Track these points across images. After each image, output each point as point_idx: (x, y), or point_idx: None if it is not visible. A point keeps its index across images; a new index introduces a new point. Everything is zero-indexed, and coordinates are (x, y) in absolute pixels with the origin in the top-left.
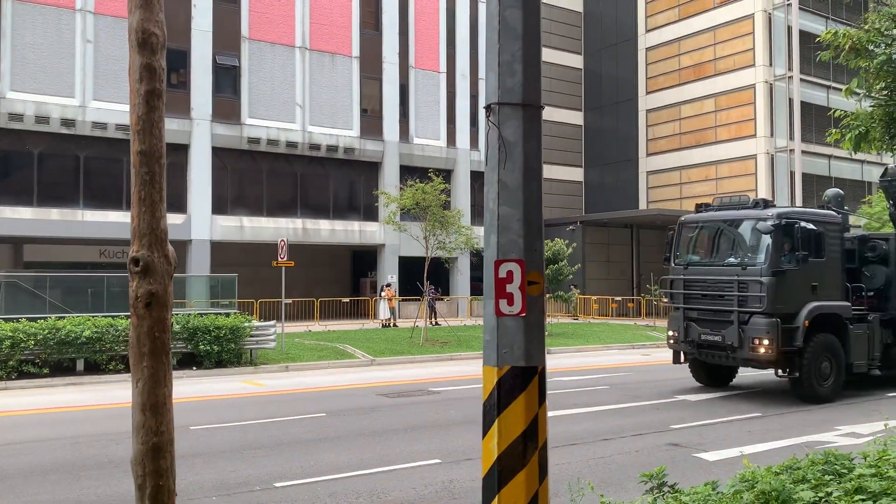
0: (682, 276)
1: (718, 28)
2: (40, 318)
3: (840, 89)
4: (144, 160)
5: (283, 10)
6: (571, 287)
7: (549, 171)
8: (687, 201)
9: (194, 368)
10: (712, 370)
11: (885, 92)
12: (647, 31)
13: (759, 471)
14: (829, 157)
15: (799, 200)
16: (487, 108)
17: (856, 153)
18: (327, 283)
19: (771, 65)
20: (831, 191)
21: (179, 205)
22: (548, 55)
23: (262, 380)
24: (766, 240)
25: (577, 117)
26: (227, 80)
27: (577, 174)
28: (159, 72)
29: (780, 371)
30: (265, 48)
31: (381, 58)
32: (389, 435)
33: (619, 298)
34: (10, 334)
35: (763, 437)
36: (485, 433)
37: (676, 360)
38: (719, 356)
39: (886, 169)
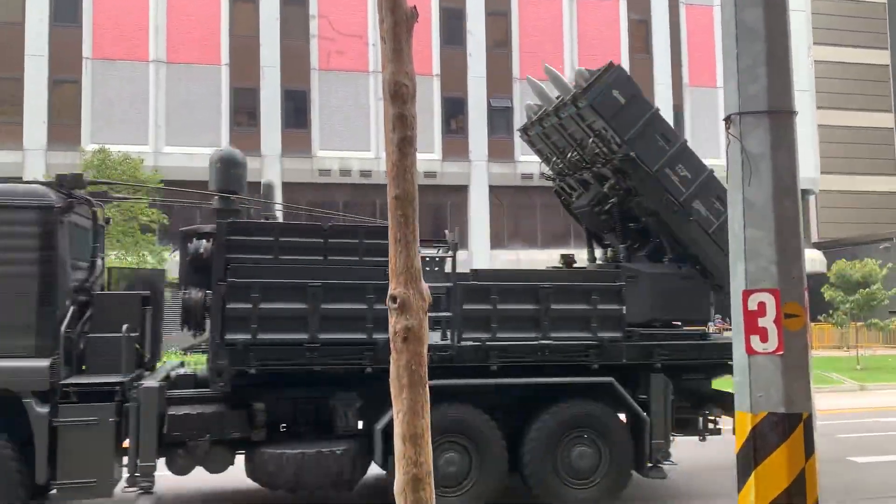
0: None
1: None
2: None
3: None
4: (399, 204)
5: (553, 47)
6: (889, 314)
7: (851, 183)
8: None
9: None
10: None
11: None
12: None
13: None
14: None
15: None
16: (726, 119)
17: None
18: None
19: None
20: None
21: (462, 241)
22: (845, 54)
23: None
24: None
25: (887, 120)
26: (500, 120)
27: (890, 184)
28: (410, 120)
29: None
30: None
31: (652, 79)
32: None
33: None
34: None
35: None
36: (740, 487)
37: None
38: None
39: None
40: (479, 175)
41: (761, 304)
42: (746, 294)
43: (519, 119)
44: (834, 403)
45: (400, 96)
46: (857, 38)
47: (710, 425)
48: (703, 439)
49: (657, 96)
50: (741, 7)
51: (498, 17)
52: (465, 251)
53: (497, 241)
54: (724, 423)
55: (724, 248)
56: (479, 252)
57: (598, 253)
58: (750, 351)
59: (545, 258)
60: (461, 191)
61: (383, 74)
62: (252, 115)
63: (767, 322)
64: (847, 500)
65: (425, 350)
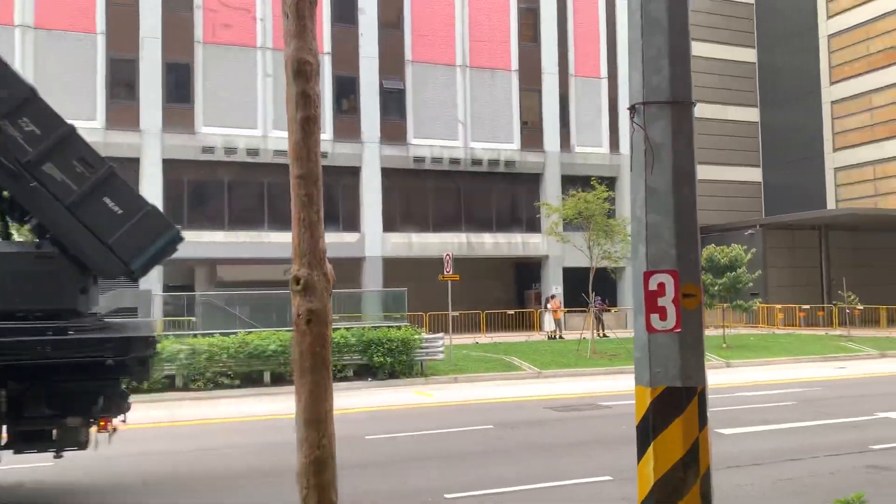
0: None
1: None
2: (231, 334)
3: None
4: (302, 183)
5: (444, 30)
6: (751, 296)
7: (722, 173)
8: (884, 198)
9: (369, 379)
10: None
11: None
12: (829, 17)
13: None
14: None
15: None
16: (631, 108)
17: None
18: (492, 296)
19: None
20: None
21: (353, 224)
22: (716, 51)
23: (431, 391)
24: None
25: (751, 114)
26: (393, 103)
27: (754, 174)
28: (314, 98)
29: None
30: (427, 69)
31: (539, 69)
32: (558, 449)
33: (807, 306)
34: (207, 348)
35: None
36: (640, 457)
37: None
38: None
39: None
40: (371, 157)
41: (661, 285)
42: (648, 275)
43: (412, 101)
44: None
45: (303, 74)
46: (728, 36)
47: (82, 435)
48: (59, 455)
49: (545, 84)
50: None
51: None
52: (358, 234)
53: (389, 224)
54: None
55: (88, 223)
56: (372, 235)
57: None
58: (650, 329)
59: (438, 241)
60: (353, 172)
61: (286, 51)
62: (130, 87)
63: (667, 301)
64: (715, 468)
65: (329, 332)
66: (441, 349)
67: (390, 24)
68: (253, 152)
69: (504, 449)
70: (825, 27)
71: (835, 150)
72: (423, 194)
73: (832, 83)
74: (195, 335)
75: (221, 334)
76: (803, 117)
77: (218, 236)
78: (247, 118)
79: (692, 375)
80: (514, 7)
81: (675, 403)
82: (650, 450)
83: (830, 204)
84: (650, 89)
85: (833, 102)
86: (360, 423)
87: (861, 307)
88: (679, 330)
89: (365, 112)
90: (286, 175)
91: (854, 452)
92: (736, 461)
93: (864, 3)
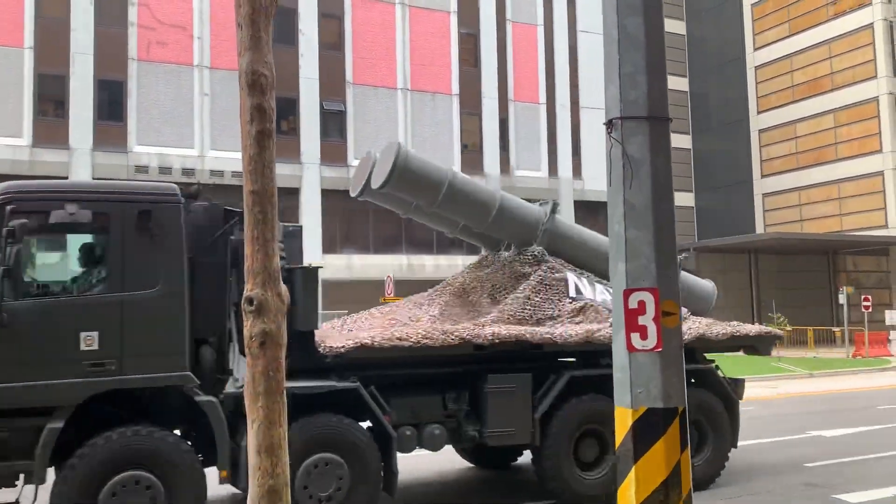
0: None
1: (834, 41)
2: None
3: None
4: (257, 199)
5: (385, 54)
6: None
7: None
8: (808, 223)
9: None
10: None
11: None
12: (756, 48)
13: None
14: None
15: None
16: (609, 123)
17: None
18: None
19: (895, 75)
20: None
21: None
22: None
23: None
24: None
25: (684, 141)
26: (333, 124)
27: (687, 199)
28: (269, 112)
29: None
30: (369, 92)
31: (479, 93)
32: None
33: None
34: None
35: None
36: (620, 482)
37: None
38: None
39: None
40: (311, 178)
41: (641, 303)
42: (627, 293)
43: (353, 123)
44: None
45: (258, 86)
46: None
47: None
48: None
49: (485, 108)
50: (623, 14)
51: (331, 19)
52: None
53: (330, 246)
54: None
55: None
56: (311, 257)
57: None
58: (631, 348)
59: (378, 263)
60: (293, 193)
61: (239, 62)
62: (60, 104)
63: (647, 320)
64: None
65: (283, 355)
66: None
67: (331, 46)
68: (189, 172)
69: None
70: (752, 58)
71: (763, 176)
72: (363, 216)
73: (759, 112)
74: None
75: None
76: (733, 145)
77: None
78: (183, 137)
79: (673, 395)
80: (455, 32)
81: (656, 425)
82: (632, 473)
83: (759, 228)
84: (627, 104)
85: (761, 131)
86: None
87: (790, 328)
88: (660, 349)
89: (305, 133)
90: (225, 194)
91: (789, 471)
92: None
93: (786, 36)
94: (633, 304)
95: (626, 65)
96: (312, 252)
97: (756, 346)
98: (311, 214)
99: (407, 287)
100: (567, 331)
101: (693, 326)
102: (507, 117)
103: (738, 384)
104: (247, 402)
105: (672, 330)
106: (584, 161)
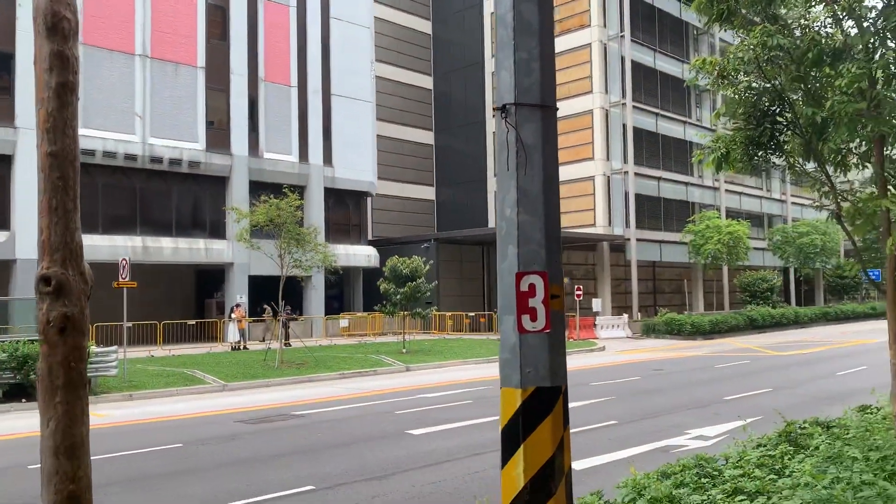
0: None
1: (559, 56)
2: None
3: (668, 117)
4: (56, 163)
5: (122, 15)
6: (426, 304)
7: (402, 189)
8: None
9: (24, 401)
10: None
11: (744, 116)
12: (493, 55)
13: (642, 477)
14: (658, 179)
15: (633, 218)
16: (502, 108)
17: (718, 172)
18: (169, 305)
19: (606, 92)
20: None
21: (2, 221)
22: (398, 74)
23: (103, 410)
24: None
25: (428, 137)
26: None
27: (429, 193)
28: (72, 61)
29: None
30: (102, 54)
31: (228, 69)
32: (255, 463)
33: (472, 314)
34: None
35: (624, 443)
36: (505, 461)
37: None
38: None
39: None
40: (27, 145)
41: (532, 286)
42: (520, 276)
43: (83, 90)
44: (388, 384)
45: (59, 30)
46: (409, 62)
47: None
48: None
49: (233, 85)
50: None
51: None
52: (8, 232)
53: None
54: None
55: None
56: (26, 234)
57: None
58: (522, 330)
59: (108, 244)
60: (4, 162)
61: (35, 2)
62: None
63: (537, 302)
64: (413, 468)
65: (86, 343)
66: (113, 364)
67: None
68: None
69: (196, 467)
70: (490, 65)
71: (495, 175)
72: (92, 192)
73: (493, 115)
74: None
75: None
76: (471, 144)
77: None
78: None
79: (558, 374)
80: (202, 1)
81: (545, 403)
82: (519, 452)
83: (491, 223)
84: (521, 91)
85: (494, 133)
86: (13, 453)
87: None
88: (549, 331)
89: (21, 93)
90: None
91: None
92: (427, 459)
93: None
94: (524, 287)
95: (520, 51)
96: (28, 228)
97: None
98: (27, 186)
99: (142, 271)
100: None
101: None
102: (256, 97)
103: None
104: (41, 398)
105: (558, 312)
106: (334, 149)
